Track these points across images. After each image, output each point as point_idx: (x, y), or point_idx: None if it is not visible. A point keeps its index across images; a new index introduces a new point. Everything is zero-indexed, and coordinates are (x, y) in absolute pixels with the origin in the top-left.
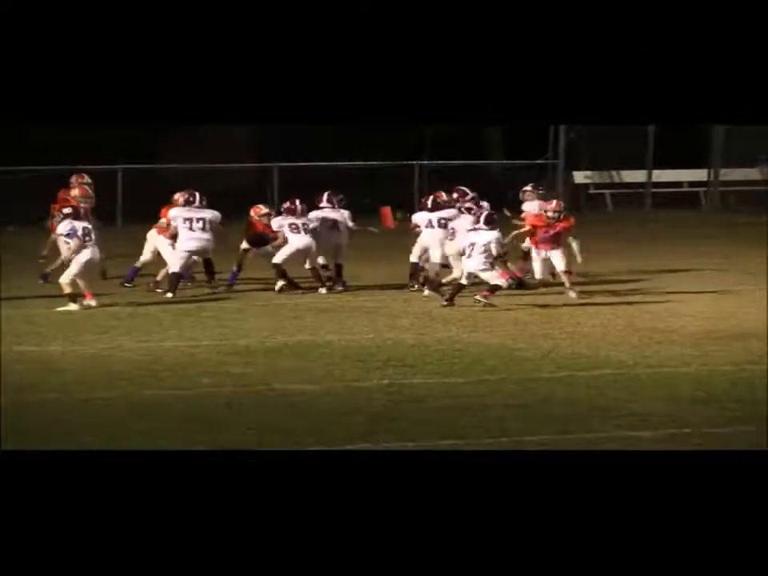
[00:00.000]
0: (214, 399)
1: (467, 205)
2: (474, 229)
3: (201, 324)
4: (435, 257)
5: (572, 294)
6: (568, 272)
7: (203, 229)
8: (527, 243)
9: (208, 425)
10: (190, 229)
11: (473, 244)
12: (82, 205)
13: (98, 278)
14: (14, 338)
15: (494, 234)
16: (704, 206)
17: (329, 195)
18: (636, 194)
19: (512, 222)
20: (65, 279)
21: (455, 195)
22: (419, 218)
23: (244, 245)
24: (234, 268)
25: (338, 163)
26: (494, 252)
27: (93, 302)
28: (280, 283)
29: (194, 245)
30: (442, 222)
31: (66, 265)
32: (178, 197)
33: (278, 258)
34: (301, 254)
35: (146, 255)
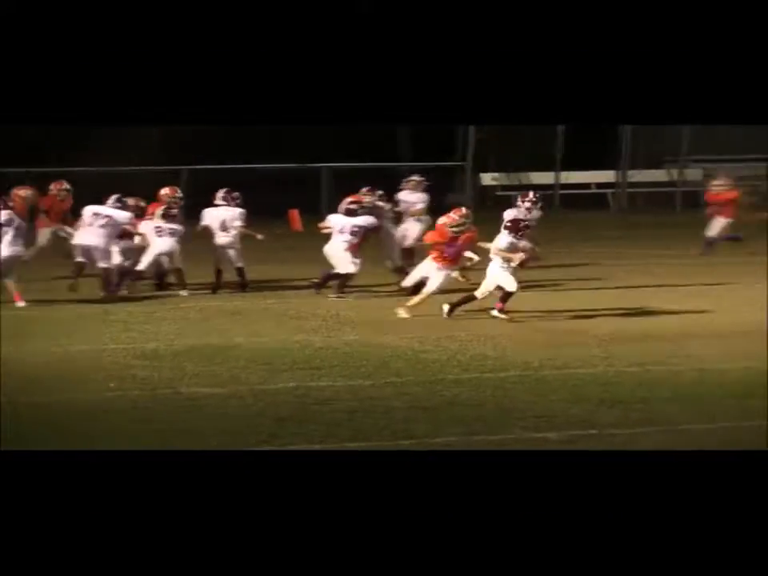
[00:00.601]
0: (120, 403)
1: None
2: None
3: (108, 328)
4: (338, 263)
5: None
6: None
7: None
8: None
9: (112, 428)
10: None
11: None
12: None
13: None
14: None
15: (508, 239)
16: (612, 208)
17: (224, 193)
18: (544, 196)
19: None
20: None
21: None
22: (334, 220)
23: None
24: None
25: (239, 166)
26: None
27: (21, 303)
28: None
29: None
30: (355, 230)
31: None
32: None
33: (141, 266)
34: (164, 257)
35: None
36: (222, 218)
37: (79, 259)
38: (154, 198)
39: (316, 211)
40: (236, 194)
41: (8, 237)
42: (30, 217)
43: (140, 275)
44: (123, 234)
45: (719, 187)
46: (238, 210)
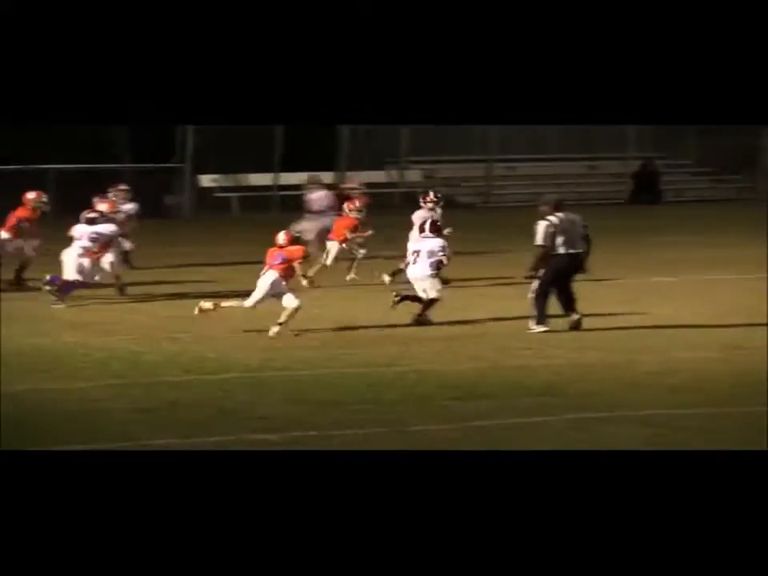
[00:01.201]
0: None
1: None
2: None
3: None
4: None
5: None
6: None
7: None
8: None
9: None
10: None
11: (417, 251)
12: None
13: None
14: None
15: (440, 242)
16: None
17: None
18: (263, 197)
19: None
20: None
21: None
22: (77, 228)
23: None
24: None
25: None
26: (444, 260)
27: None
28: None
29: None
30: (93, 236)
31: None
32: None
33: None
34: None
35: None
36: None
37: None
38: None
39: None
40: None
41: None
42: None
43: None
44: None
45: (352, 191)
46: None
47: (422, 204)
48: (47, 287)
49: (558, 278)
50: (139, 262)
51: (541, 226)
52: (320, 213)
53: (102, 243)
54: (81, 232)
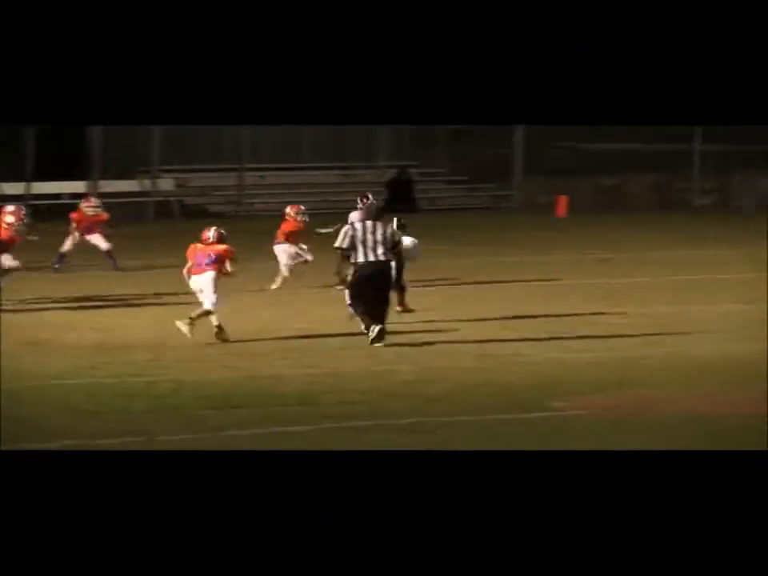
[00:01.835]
0: None
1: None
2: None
3: None
4: None
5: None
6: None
7: None
8: None
9: None
10: None
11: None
12: None
13: None
14: None
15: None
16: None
17: None
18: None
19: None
20: None
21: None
22: None
23: None
24: None
25: None
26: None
27: None
28: None
29: None
30: None
31: None
32: None
33: None
34: None
35: None
36: None
37: None
38: None
39: None
40: None
41: None
42: None
43: None
44: None
45: (91, 208)
46: None
47: (360, 206)
48: None
49: (361, 285)
50: None
51: (342, 230)
52: None
53: None
54: None
